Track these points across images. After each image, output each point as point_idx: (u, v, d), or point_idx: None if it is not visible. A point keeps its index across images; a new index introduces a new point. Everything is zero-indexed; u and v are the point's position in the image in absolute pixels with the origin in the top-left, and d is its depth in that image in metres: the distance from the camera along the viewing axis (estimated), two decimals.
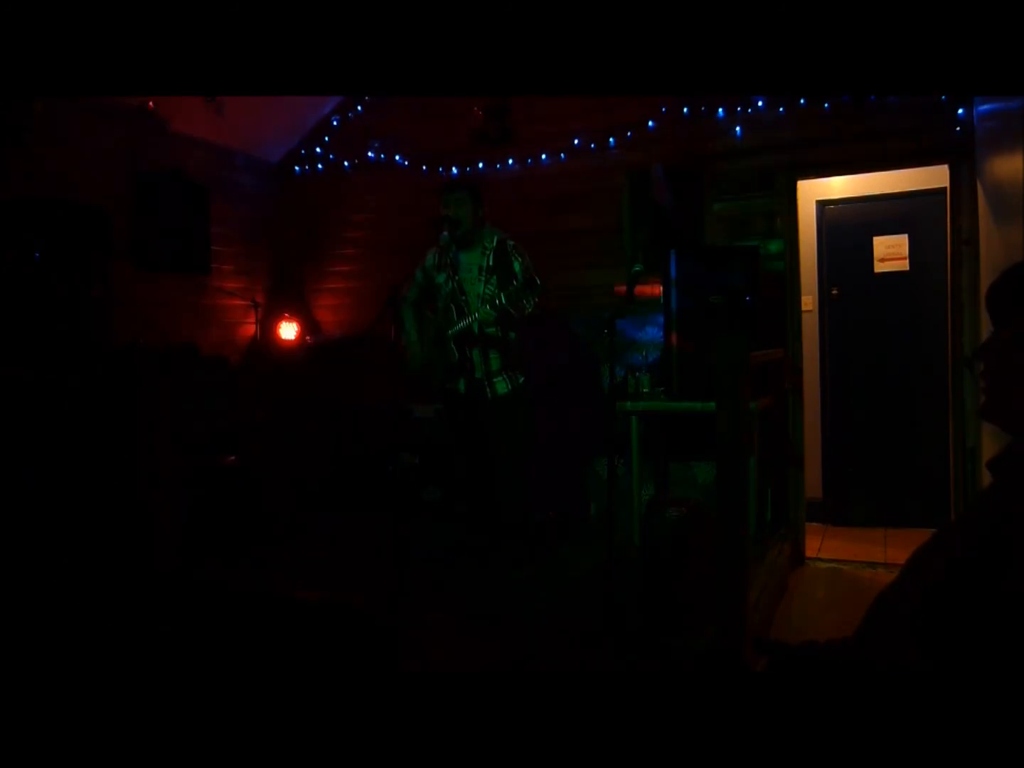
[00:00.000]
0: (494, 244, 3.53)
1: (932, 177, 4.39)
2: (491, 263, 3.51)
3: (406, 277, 3.77)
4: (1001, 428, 1.10)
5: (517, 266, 3.49)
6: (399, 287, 3.31)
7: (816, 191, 4.84)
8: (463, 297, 3.54)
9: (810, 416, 4.66)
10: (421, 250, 3.75)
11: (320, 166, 5.26)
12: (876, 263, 4.82)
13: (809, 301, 4.78)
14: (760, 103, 4.15)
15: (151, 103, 4.30)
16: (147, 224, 4.37)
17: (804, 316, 4.39)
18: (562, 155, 4.59)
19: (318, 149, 5.25)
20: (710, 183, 4.26)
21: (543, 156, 4.64)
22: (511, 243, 3.55)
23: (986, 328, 1.17)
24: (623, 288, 3.91)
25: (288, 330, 5.10)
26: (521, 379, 3.60)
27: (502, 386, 3.54)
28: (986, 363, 1.11)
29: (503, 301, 3.35)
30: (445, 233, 3.55)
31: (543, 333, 4.24)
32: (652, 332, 4.31)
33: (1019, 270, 1.12)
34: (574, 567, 3.57)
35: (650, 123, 4.37)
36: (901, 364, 4.72)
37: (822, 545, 4.38)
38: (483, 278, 3.51)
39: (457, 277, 3.56)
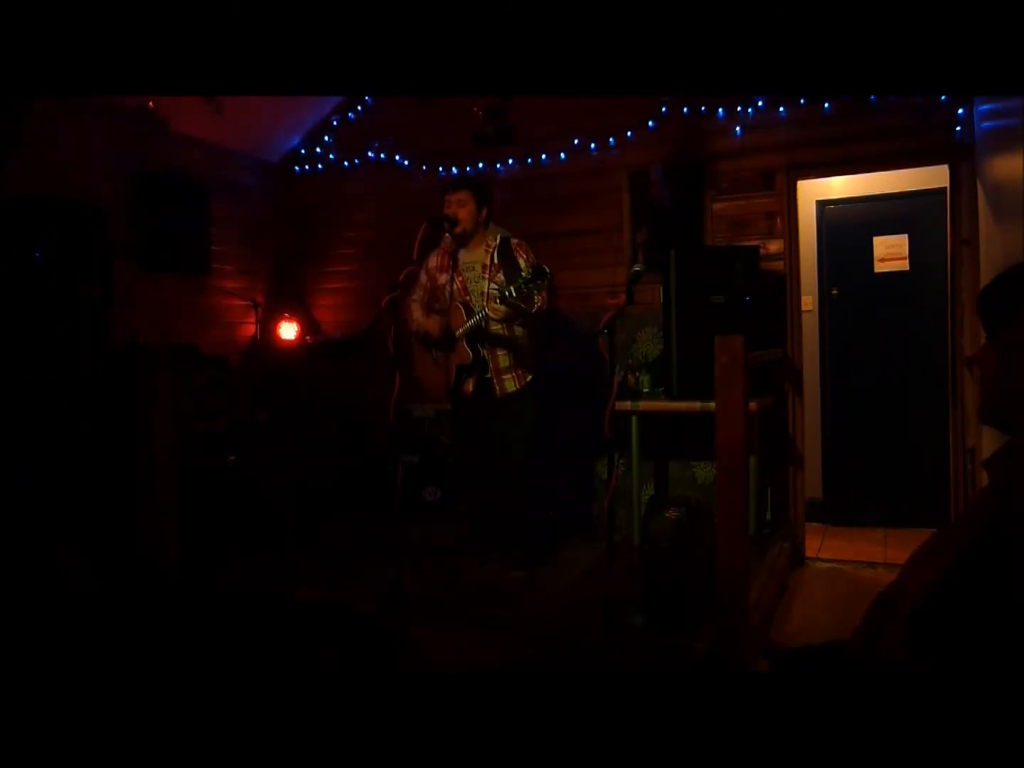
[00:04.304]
0: (497, 242, 3.52)
1: (932, 177, 4.39)
2: (495, 260, 3.50)
3: (407, 277, 3.76)
4: (1000, 430, 1.10)
5: (522, 262, 3.47)
6: (399, 287, 3.29)
7: (816, 191, 4.84)
8: (467, 297, 3.54)
9: (810, 416, 4.66)
10: (421, 250, 3.74)
11: (320, 166, 5.26)
12: (876, 263, 4.82)
13: (809, 301, 4.78)
14: (760, 103, 4.14)
15: (151, 103, 4.30)
16: (147, 224, 4.37)
17: (804, 316, 4.39)
18: (562, 155, 4.59)
19: (318, 149, 5.25)
20: (710, 183, 4.26)
21: (543, 156, 4.63)
22: (515, 241, 3.54)
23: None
24: (615, 300, 3.92)
25: (288, 330, 5.09)
26: (529, 377, 3.58)
27: (511, 384, 3.53)
28: (982, 368, 1.11)
29: (512, 294, 3.24)
30: (447, 234, 3.55)
31: (543, 333, 4.24)
32: (652, 332, 4.31)
33: (1009, 275, 1.12)
34: (574, 567, 3.57)
35: (650, 123, 4.37)
36: (901, 364, 4.73)
37: (822, 545, 4.38)
38: (486, 276, 3.49)
39: (460, 276, 3.56)
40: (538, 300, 3.37)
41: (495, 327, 3.48)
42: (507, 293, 3.27)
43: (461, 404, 3.64)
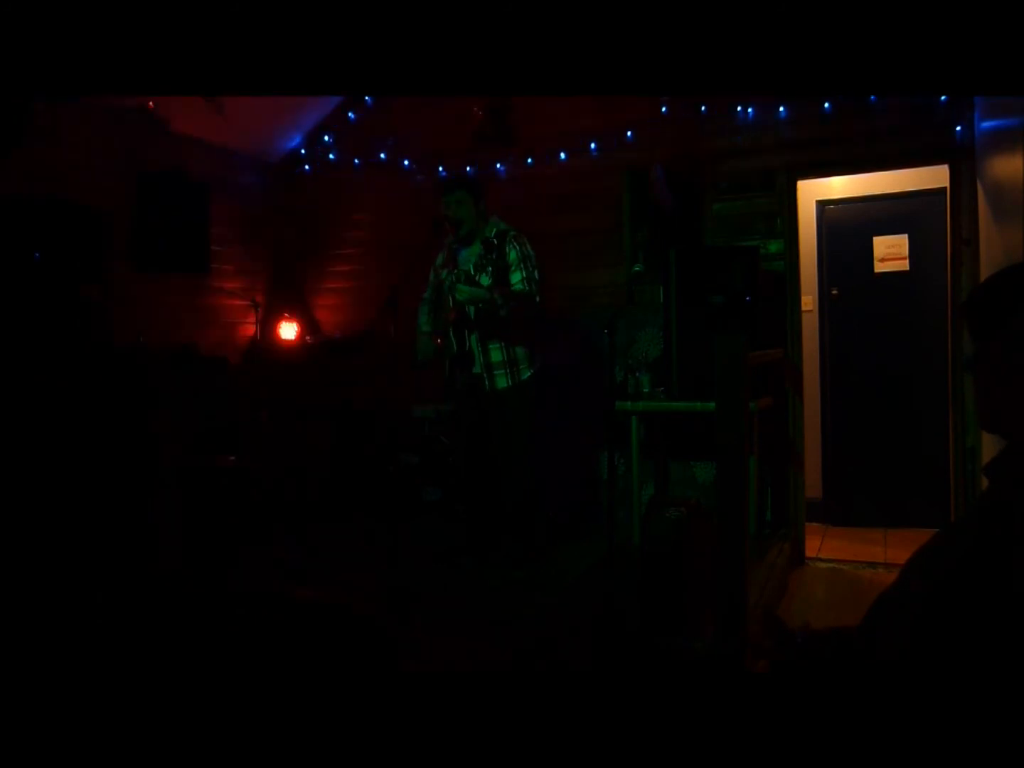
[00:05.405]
0: (493, 234, 3.52)
1: (932, 177, 4.39)
2: (488, 252, 3.51)
3: (406, 277, 3.76)
4: (1002, 437, 1.09)
5: (513, 254, 3.45)
6: (398, 287, 3.29)
7: (816, 191, 4.84)
8: None
9: (810, 416, 4.66)
10: (421, 250, 3.75)
11: (320, 166, 5.26)
12: (876, 263, 4.82)
13: (809, 301, 4.78)
14: (760, 103, 4.14)
15: (151, 103, 4.30)
16: (147, 224, 4.37)
17: (804, 316, 4.39)
18: (562, 155, 4.59)
19: (318, 149, 5.25)
20: (710, 183, 4.26)
21: (543, 156, 4.63)
22: (512, 232, 3.53)
23: None
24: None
25: (288, 330, 5.10)
26: (526, 375, 3.56)
27: (502, 380, 3.51)
28: (978, 377, 1.10)
29: (471, 272, 3.32)
30: (451, 235, 3.56)
31: (543, 332, 4.24)
32: (652, 332, 4.31)
33: (998, 281, 1.11)
34: (574, 567, 3.57)
35: (650, 123, 4.37)
36: (901, 364, 4.72)
37: (822, 545, 4.38)
38: (479, 269, 3.51)
39: (457, 271, 3.57)
40: (522, 282, 3.37)
41: (479, 306, 3.46)
42: (467, 273, 3.33)
43: (455, 399, 3.64)
